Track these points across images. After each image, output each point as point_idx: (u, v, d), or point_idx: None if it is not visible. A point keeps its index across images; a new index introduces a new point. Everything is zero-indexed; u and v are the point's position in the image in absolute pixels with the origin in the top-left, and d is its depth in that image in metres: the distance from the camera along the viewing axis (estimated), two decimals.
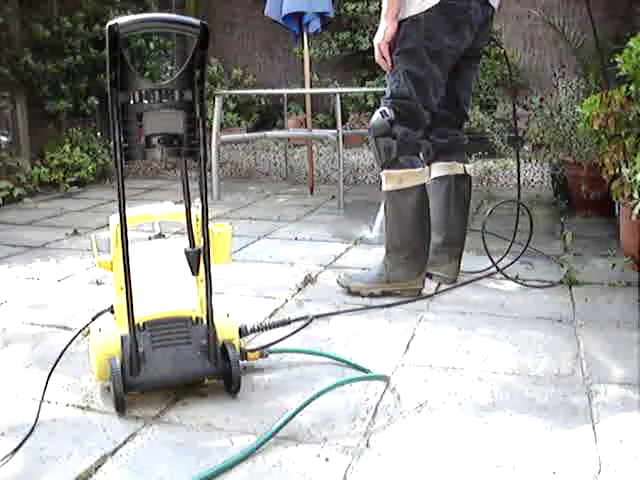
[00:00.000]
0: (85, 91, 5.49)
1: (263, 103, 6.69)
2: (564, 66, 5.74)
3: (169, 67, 6.20)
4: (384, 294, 2.63)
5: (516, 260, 2.94)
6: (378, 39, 2.57)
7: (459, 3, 2.48)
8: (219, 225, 1.92)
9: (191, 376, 1.83)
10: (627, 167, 2.74)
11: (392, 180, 2.57)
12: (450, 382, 1.92)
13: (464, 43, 2.55)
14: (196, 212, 1.83)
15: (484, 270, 2.88)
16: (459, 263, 2.82)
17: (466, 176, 2.82)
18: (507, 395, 1.83)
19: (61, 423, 1.71)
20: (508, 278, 2.79)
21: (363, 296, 2.64)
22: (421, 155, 2.69)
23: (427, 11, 2.47)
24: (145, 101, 1.64)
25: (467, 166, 2.83)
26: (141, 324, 1.80)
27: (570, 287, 2.71)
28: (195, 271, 1.80)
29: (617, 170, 2.85)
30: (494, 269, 2.85)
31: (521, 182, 5.09)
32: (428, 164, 2.83)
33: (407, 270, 2.62)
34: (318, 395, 1.73)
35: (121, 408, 1.73)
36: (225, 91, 5.63)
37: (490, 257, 2.83)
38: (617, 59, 2.88)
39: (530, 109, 4.91)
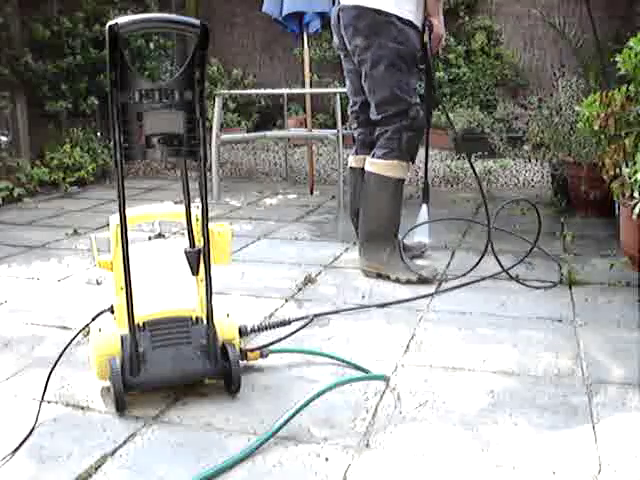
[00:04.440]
0: (85, 91, 5.48)
1: (263, 103, 6.69)
2: (564, 66, 5.74)
3: (169, 67, 6.19)
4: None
5: (521, 261, 2.95)
6: None
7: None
8: (219, 225, 1.93)
9: (191, 376, 1.83)
10: (627, 167, 2.74)
11: None
12: (450, 382, 1.92)
13: (337, 44, 2.98)
14: (196, 212, 1.83)
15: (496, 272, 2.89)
16: (361, 252, 2.91)
17: (368, 172, 2.88)
18: (507, 395, 1.83)
19: (61, 423, 1.71)
20: (512, 278, 2.80)
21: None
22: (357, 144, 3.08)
23: None
24: (145, 101, 1.64)
25: (371, 160, 2.87)
26: (141, 324, 1.80)
27: (570, 287, 2.71)
28: (195, 271, 1.80)
29: (617, 170, 2.84)
30: (492, 272, 2.85)
31: (521, 182, 5.14)
32: None
33: None
34: (318, 395, 1.73)
35: (121, 408, 1.73)
36: (225, 91, 5.63)
37: (497, 258, 2.84)
38: (617, 59, 2.88)
39: (530, 109, 4.91)
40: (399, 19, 2.73)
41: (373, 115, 2.88)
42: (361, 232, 2.93)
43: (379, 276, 2.86)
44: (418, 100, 2.87)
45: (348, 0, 2.79)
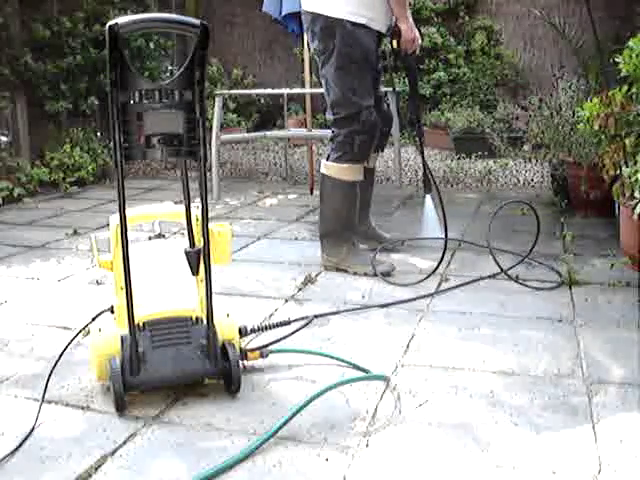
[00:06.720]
0: (85, 91, 5.49)
1: (263, 103, 6.69)
2: (564, 66, 5.75)
3: (169, 67, 6.20)
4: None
5: (520, 262, 2.94)
6: None
7: None
8: (219, 225, 1.93)
9: (191, 376, 1.83)
10: (627, 167, 2.74)
11: None
12: (450, 382, 1.92)
13: None
14: (196, 212, 1.83)
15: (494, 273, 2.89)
16: (322, 248, 3.00)
17: (322, 174, 3.00)
18: (507, 395, 1.83)
19: (61, 423, 1.71)
20: (511, 279, 2.79)
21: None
22: None
23: None
24: (145, 101, 1.64)
25: (325, 163, 2.97)
26: (141, 324, 1.80)
27: (570, 287, 2.71)
28: (195, 271, 1.80)
29: (617, 170, 2.84)
30: (491, 273, 2.85)
31: (521, 182, 5.14)
32: None
33: None
34: (318, 395, 1.73)
35: (121, 408, 1.73)
36: (225, 91, 5.63)
37: (495, 259, 2.83)
38: (617, 59, 2.88)
39: (530, 109, 4.92)
40: (349, 22, 2.77)
41: (328, 115, 2.96)
42: (320, 231, 3.02)
43: (338, 269, 2.96)
44: (372, 102, 2.89)
45: (305, 6, 2.87)
